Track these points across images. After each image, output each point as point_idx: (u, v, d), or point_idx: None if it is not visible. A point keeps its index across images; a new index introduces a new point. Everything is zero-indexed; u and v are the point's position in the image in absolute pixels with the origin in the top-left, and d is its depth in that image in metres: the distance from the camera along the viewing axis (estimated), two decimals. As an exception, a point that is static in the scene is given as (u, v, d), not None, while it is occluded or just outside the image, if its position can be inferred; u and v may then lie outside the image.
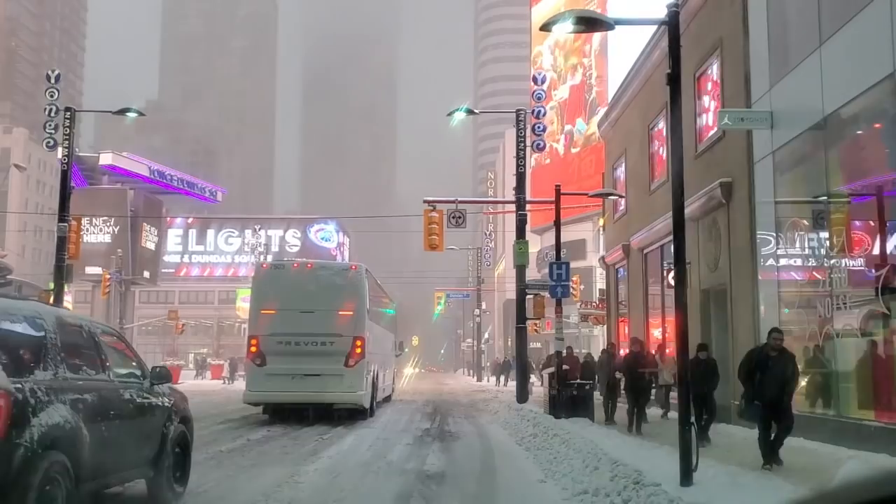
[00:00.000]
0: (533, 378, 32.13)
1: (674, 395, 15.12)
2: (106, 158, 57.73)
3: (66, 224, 23.59)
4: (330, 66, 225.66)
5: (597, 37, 51.27)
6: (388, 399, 26.33)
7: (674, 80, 8.03)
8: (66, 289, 25.53)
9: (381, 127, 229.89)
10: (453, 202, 24.53)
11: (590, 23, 9.11)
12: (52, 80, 26.97)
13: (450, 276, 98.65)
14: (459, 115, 26.14)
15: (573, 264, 27.02)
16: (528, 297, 22.89)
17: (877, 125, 11.58)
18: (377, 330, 21.77)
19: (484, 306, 62.95)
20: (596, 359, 22.74)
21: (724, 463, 9.39)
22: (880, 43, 10.18)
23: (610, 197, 23.52)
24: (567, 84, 61.35)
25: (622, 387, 17.17)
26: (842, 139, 12.47)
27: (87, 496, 6.30)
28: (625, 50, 37.60)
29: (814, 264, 12.96)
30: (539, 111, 24.95)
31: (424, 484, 9.61)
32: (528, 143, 23.87)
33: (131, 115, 25.57)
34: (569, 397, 16.43)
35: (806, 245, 13.54)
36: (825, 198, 12.52)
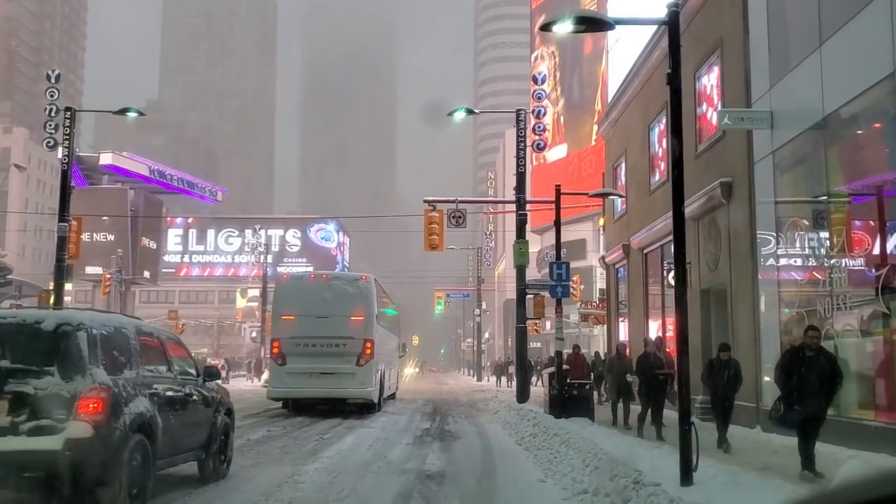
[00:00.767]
0: (534, 379, 32.19)
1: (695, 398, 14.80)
2: (106, 158, 57.72)
3: (66, 224, 23.58)
4: (330, 66, 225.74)
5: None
6: (392, 396, 27.80)
7: (674, 80, 8.02)
8: (66, 288, 25.53)
9: (381, 127, 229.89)
10: (453, 202, 24.51)
11: (590, 23, 9.10)
12: (52, 80, 27.01)
13: (450, 275, 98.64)
14: (460, 115, 26.12)
15: (573, 264, 27.03)
16: (528, 296, 22.88)
17: (877, 125, 11.57)
18: (383, 333, 23.67)
19: (484, 306, 62.95)
20: (599, 358, 22.71)
21: (725, 463, 9.38)
22: (880, 43, 10.18)
23: (610, 197, 23.51)
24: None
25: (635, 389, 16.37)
26: (842, 139, 12.47)
27: (155, 473, 7.63)
28: (625, 50, 37.65)
29: (814, 264, 12.96)
30: (539, 111, 24.94)
31: (424, 484, 9.61)
32: (529, 142, 23.86)
33: (131, 115, 25.53)
34: (569, 397, 16.40)
35: (806, 245, 13.54)
36: (825, 197, 12.51)
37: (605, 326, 29.69)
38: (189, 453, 8.84)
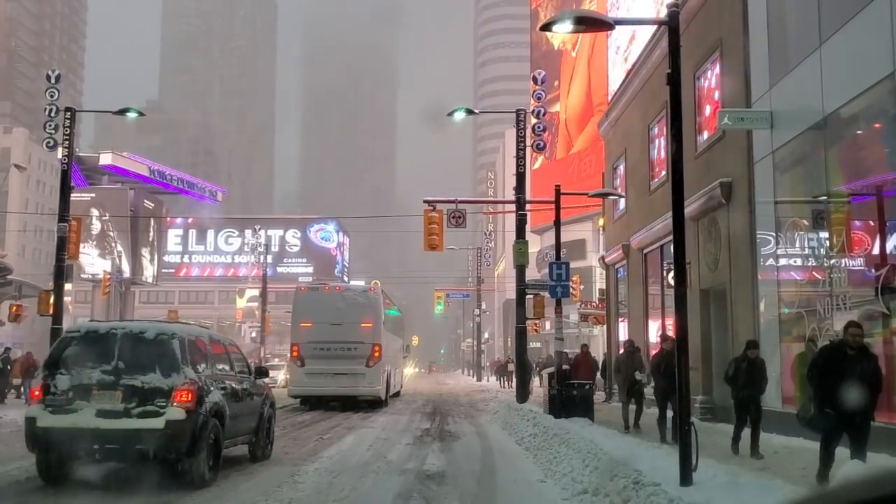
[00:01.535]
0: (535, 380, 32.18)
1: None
2: (106, 158, 57.59)
3: (66, 224, 23.56)
4: (330, 66, 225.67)
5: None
6: (397, 394, 30.20)
7: (674, 80, 8.02)
8: (65, 288, 25.51)
9: (381, 127, 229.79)
10: (453, 202, 24.49)
11: (590, 23, 9.10)
12: (53, 81, 26.88)
13: (450, 275, 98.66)
14: (459, 115, 26.10)
15: (573, 264, 27.01)
16: (527, 297, 22.87)
17: (876, 125, 11.57)
18: (389, 337, 26.01)
19: (484, 306, 62.92)
20: (601, 358, 22.67)
21: (725, 463, 9.38)
22: (880, 43, 10.18)
23: (610, 197, 23.52)
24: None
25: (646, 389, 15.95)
26: (842, 139, 12.47)
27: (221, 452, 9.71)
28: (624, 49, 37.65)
29: (813, 264, 12.96)
30: (539, 111, 24.90)
31: (424, 484, 9.61)
32: (528, 142, 23.83)
33: (131, 115, 25.47)
34: (568, 397, 16.37)
35: (806, 245, 13.53)
36: (825, 197, 12.51)
37: (605, 326, 29.69)
38: (245, 436, 10.92)
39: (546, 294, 21.71)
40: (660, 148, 21.23)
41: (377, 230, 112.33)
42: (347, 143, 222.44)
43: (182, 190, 67.14)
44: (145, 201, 57.92)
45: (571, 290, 25.21)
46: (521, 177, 23.13)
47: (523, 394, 22.11)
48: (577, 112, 62.46)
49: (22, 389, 26.04)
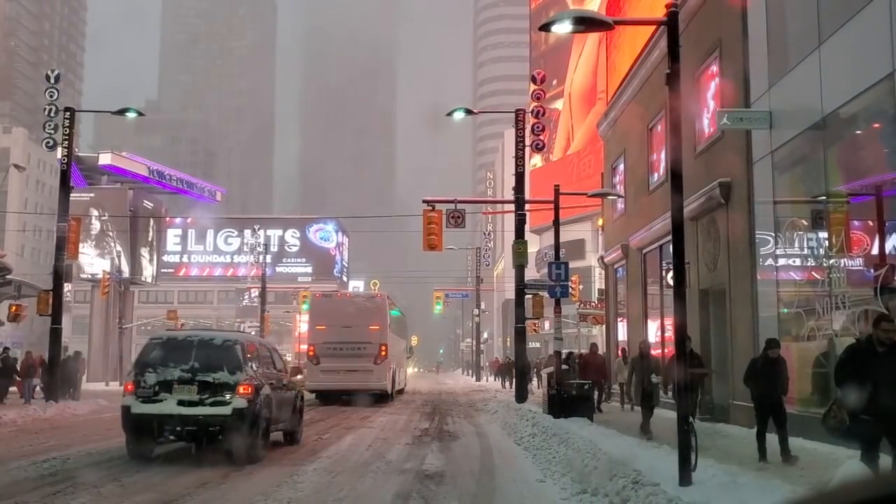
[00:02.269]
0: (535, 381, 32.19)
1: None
2: (105, 158, 57.49)
3: (65, 224, 23.56)
4: (329, 66, 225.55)
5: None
6: (401, 391, 32.49)
7: (673, 80, 8.03)
8: (65, 288, 25.51)
9: (381, 127, 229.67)
10: (452, 202, 24.49)
11: (589, 23, 9.11)
12: (52, 80, 26.92)
13: (449, 275, 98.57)
14: (458, 115, 26.12)
15: (572, 264, 27.02)
16: (526, 296, 22.88)
17: (876, 125, 11.57)
18: (394, 338, 28.73)
19: (483, 306, 62.90)
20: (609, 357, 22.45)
21: (724, 463, 9.37)
22: (879, 43, 10.18)
23: (609, 197, 23.52)
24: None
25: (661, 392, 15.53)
26: (841, 139, 12.47)
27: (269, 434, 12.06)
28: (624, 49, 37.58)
29: (813, 264, 12.96)
30: (538, 111, 24.91)
31: (423, 484, 9.60)
32: (528, 142, 23.84)
33: (131, 115, 25.47)
34: (568, 397, 16.37)
35: (805, 245, 13.54)
36: (824, 197, 12.51)
37: (604, 326, 29.70)
38: (283, 423, 12.99)
39: (545, 294, 21.72)
40: (659, 148, 21.22)
41: (377, 230, 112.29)
42: (347, 143, 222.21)
43: (181, 190, 67.07)
44: (144, 201, 57.87)
45: (570, 290, 25.21)
46: (520, 177, 23.14)
47: (522, 394, 22.12)
48: (582, 90, 62.18)
49: (24, 389, 25.97)
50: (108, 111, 25.78)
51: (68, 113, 24.63)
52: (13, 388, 26.21)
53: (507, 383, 40.77)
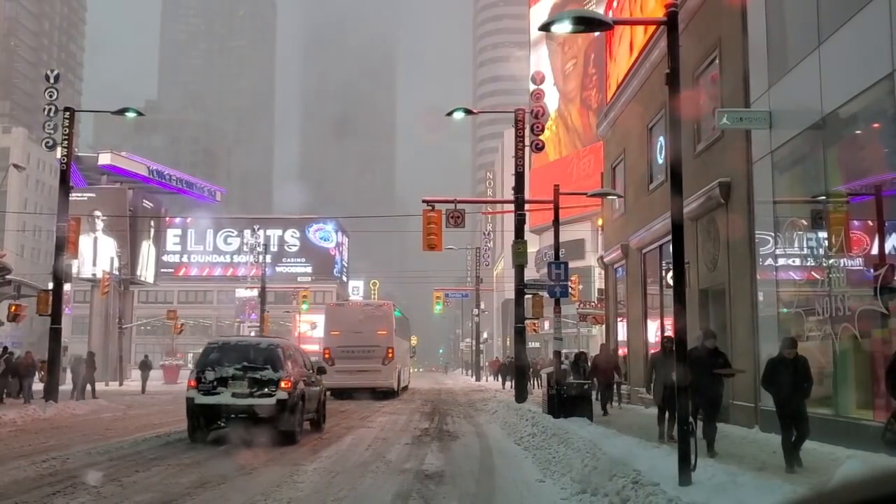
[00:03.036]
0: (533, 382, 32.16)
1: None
2: (105, 158, 57.44)
3: (64, 224, 23.55)
4: (329, 66, 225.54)
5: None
6: (405, 389, 35.43)
7: (673, 80, 8.02)
8: (64, 288, 25.49)
9: (381, 127, 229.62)
10: (452, 202, 24.48)
11: (589, 23, 9.10)
12: (52, 80, 26.95)
13: (448, 275, 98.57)
14: (458, 115, 26.11)
15: (572, 264, 27.01)
16: (526, 296, 22.87)
17: (875, 125, 11.56)
18: (399, 341, 32.20)
19: (483, 306, 62.91)
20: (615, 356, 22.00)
21: (724, 463, 9.37)
22: (879, 43, 10.18)
23: (608, 197, 23.51)
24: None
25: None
26: (840, 139, 12.46)
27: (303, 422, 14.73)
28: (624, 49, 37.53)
29: (812, 264, 12.95)
30: (538, 111, 24.89)
31: (423, 484, 9.60)
32: (527, 142, 23.83)
33: (130, 115, 25.44)
34: (567, 397, 16.35)
35: (804, 245, 13.53)
36: (824, 197, 12.51)
37: (604, 326, 29.69)
38: (311, 414, 15.36)
39: (545, 294, 21.71)
40: (658, 148, 21.22)
41: (376, 230, 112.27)
42: (347, 143, 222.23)
43: (181, 190, 67.03)
44: (144, 201, 57.86)
45: (570, 289, 25.21)
46: (519, 176, 23.13)
47: (522, 393, 22.12)
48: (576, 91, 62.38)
49: (23, 388, 25.94)
50: (107, 111, 25.75)
51: (68, 113, 24.62)
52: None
53: (507, 383, 40.80)
